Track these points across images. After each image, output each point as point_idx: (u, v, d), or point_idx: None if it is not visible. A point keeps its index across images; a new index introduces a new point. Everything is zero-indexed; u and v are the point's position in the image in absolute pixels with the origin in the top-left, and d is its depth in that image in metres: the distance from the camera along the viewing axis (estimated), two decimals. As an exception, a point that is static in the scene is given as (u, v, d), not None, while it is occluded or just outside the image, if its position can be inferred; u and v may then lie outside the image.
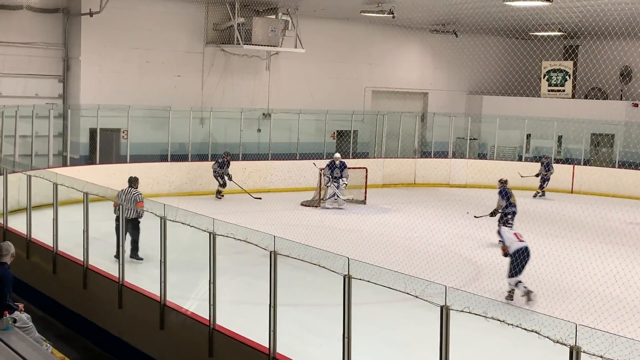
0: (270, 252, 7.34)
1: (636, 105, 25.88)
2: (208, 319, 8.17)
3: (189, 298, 9.50)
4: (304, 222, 16.98)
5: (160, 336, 9.03)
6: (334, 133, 25.12)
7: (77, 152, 20.45)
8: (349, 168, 20.29)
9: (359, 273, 6.52)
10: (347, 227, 17.21)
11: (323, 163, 20.61)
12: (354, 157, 24.33)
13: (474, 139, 27.08)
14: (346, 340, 6.67)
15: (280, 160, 22.82)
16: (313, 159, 22.06)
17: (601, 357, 4.86)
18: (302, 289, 11.37)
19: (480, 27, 23.83)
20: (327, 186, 19.96)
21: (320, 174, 20.20)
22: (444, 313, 5.82)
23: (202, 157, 21.64)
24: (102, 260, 11.70)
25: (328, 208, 19.71)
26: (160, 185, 20.40)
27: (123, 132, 21.12)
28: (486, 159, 26.28)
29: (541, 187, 22.95)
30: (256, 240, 7.62)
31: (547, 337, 5.15)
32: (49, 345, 8.85)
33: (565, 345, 5.07)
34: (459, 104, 28.76)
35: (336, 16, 24.37)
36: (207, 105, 22.49)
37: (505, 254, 11.66)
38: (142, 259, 12.69)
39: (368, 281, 6.41)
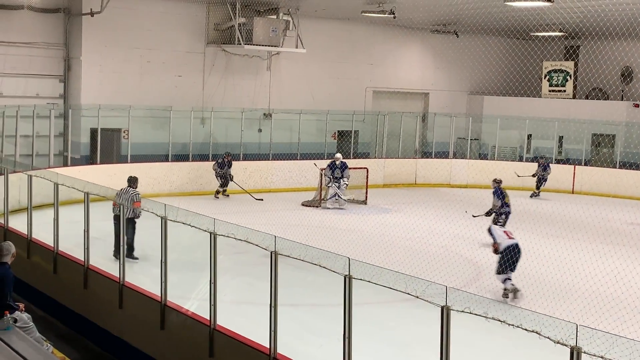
0: (271, 252, 7.34)
1: (637, 105, 25.87)
2: (208, 319, 8.17)
3: (189, 298, 9.49)
4: (304, 223, 16.97)
5: (160, 336, 9.03)
6: (335, 133, 25.13)
7: (77, 152, 20.45)
8: (350, 168, 20.29)
9: (360, 273, 6.52)
10: (347, 227, 17.21)
11: (324, 163, 20.61)
12: (354, 157, 24.33)
13: (475, 139, 27.08)
14: (346, 340, 6.67)
15: (281, 160, 22.82)
16: (314, 159, 22.07)
17: (602, 357, 4.86)
18: (302, 289, 11.37)
19: (481, 28, 23.83)
20: (328, 186, 19.96)
21: (321, 175, 20.19)
22: (445, 313, 5.82)
23: (202, 157, 21.64)
24: (103, 260, 11.70)
25: (329, 208, 19.71)
26: (161, 185, 20.40)
27: (124, 132, 21.12)
28: (487, 159, 26.28)
29: (537, 187, 22.97)
30: (257, 240, 7.62)
31: (548, 338, 5.15)
32: (49, 345, 8.85)
33: (565, 345, 5.07)
34: (460, 104, 28.76)
35: (337, 16, 24.38)
36: (208, 105, 22.49)
37: (496, 251, 11.78)
38: (137, 259, 12.68)
39: (369, 281, 6.41)
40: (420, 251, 14.30)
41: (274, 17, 22.74)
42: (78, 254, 10.96)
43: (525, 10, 20.43)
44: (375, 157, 25.43)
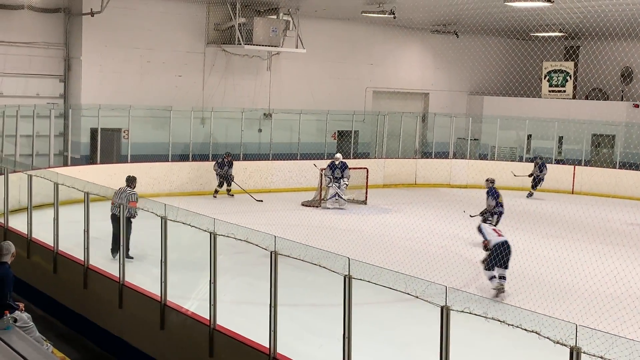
0: (271, 252, 7.35)
1: (637, 106, 25.87)
2: (208, 319, 8.17)
3: (189, 298, 9.49)
4: (304, 223, 16.98)
5: (160, 336, 9.04)
6: (335, 133, 25.13)
7: (78, 151, 20.45)
8: (350, 168, 20.29)
9: (360, 273, 6.53)
10: (347, 227, 17.21)
11: (324, 163, 20.62)
12: (354, 158, 24.33)
13: (474, 139, 27.09)
14: (346, 340, 6.67)
15: (281, 160, 22.82)
16: (314, 159, 22.08)
17: (601, 357, 4.86)
18: (302, 289, 11.37)
19: (481, 28, 23.83)
20: (329, 186, 19.97)
21: (321, 175, 20.20)
22: (445, 313, 5.82)
23: (203, 157, 21.64)
24: (103, 260, 11.72)
25: (329, 208, 19.71)
26: (161, 185, 20.40)
27: (124, 132, 21.12)
28: (487, 159, 26.29)
29: (534, 186, 23.00)
30: (257, 240, 7.63)
31: (548, 338, 5.15)
32: (49, 345, 8.86)
33: (565, 345, 5.07)
34: (460, 104, 28.77)
35: (337, 16, 24.38)
36: (208, 105, 22.50)
37: (486, 248, 11.93)
38: (132, 258, 12.65)
39: (368, 281, 6.41)
40: (420, 251, 14.30)
41: (274, 17, 22.74)
42: (78, 254, 10.96)
43: (525, 10, 20.43)
44: (375, 157, 25.43)
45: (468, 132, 26.59)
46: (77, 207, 11.37)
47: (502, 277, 11.79)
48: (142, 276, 10.70)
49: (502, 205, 15.96)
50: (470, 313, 5.67)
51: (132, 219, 12.49)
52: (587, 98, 27.66)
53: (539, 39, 27.86)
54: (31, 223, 12.19)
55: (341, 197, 19.91)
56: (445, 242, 15.29)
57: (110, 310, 9.99)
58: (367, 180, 21.19)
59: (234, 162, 20.76)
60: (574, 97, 27.65)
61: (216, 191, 20.65)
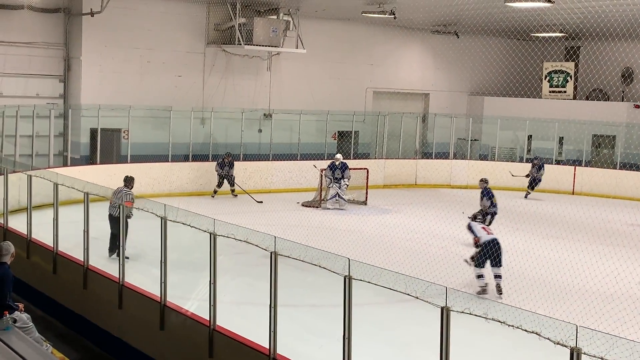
0: (271, 253, 7.34)
1: (637, 106, 25.86)
2: (208, 319, 8.16)
3: (189, 298, 9.49)
4: (304, 223, 16.97)
5: (160, 337, 9.03)
6: (335, 133, 25.12)
7: (77, 152, 20.44)
8: (350, 169, 20.27)
9: (360, 274, 6.51)
10: (347, 227, 17.20)
11: (323, 164, 20.61)
12: (355, 158, 24.32)
13: (475, 140, 27.08)
14: (346, 341, 6.66)
15: (281, 160, 22.81)
16: (314, 159, 22.07)
17: (602, 358, 4.85)
18: (302, 290, 11.36)
19: (482, 28, 23.82)
20: (329, 187, 19.96)
21: (321, 175, 20.19)
22: (445, 314, 5.82)
23: (202, 158, 21.62)
24: (103, 260, 11.73)
25: (329, 208, 19.70)
26: (161, 186, 20.40)
27: (124, 132, 21.12)
28: (487, 160, 26.28)
29: (532, 187, 22.99)
30: (257, 240, 7.62)
31: (548, 339, 5.14)
32: (49, 345, 8.85)
33: (565, 346, 5.06)
34: (460, 104, 28.75)
35: (337, 17, 24.37)
36: (208, 106, 22.49)
37: (477, 244, 12.07)
38: (127, 258, 12.63)
39: (368, 282, 6.40)
40: (420, 252, 14.29)
41: (274, 17, 22.73)
42: (78, 254, 10.95)
43: (526, 11, 20.42)
44: (375, 158, 25.42)
45: (468, 132, 26.58)
46: (77, 208, 11.37)
47: (498, 276, 11.81)
48: (141, 276, 10.69)
49: (496, 206, 15.98)
50: (470, 314, 5.66)
51: (128, 219, 12.50)
52: (587, 98, 27.64)
53: (540, 40, 27.85)
54: (31, 223, 12.19)
55: (342, 198, 19.90)
56: (446, 242, 15.28)
57: (110, 311, 9.98)
58: (367, 181, 21.18)
59: (235, 163, 20.75)
60: (574, 98, 27.64)
61: (215, 191, 20.65)
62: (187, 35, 22.33)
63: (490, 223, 15.28)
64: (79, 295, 10.81)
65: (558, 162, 25.42)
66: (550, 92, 28.01)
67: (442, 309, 5.82)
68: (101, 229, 12.51)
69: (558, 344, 5.09)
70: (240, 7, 21.77)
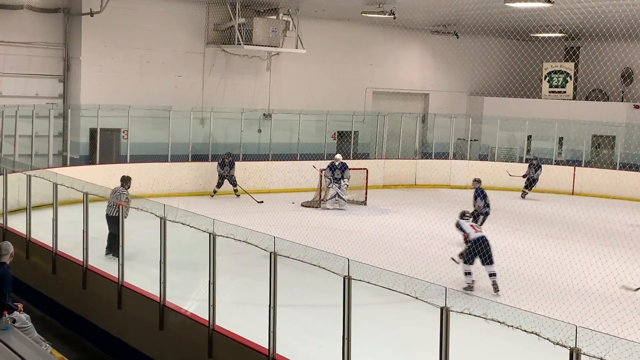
0: (270, 253, 7.33)
1: (637, 106, 25.86)
2: (208, 319, 8.16)
3: (188, 299, 9.48)
4: (304, 223, 16.97)
5: (159, 337, 9.02)
6: (335, 134, 25.12)
7: (77, 152, 20.44)
8: (350, 169, 20.27)
9: (359, 274, 6.51)
10: (347, 228, 17.20)
11: (323, 164, 20.61)
12: (354, 158, 24.33)
13: (474, 140, 27.07)
14: (346, 341, 6.65)
15: (280, 160, 22.81)
16: (314, 159, 22.08)
17: (601, 359, 4.85)
18: (302, 290, 11.36)
19: (481, 28, 23.82)
20: (329, 187, 19.95)
21: (321, 175, 20.19)
22: (444, 314, 5.81)
23: (202, 158, 21.62)
24: (102, 260, 11.72)
25: (329, 209, 19.70)
26: (160, 186, 20.39)
27: (123, 132, 21.11)
28: (487, 160, 26.28)
29: (529, 187, 22.99)
30: (256, 241, 7.61)
31: (547, 339, 5.14)
32: (48, 345, 8.84)
33: (565, 347, 5.06)
34: (460, 105, 28.75)
35: (337, 17, 24.37)
36: (207, 106, 22.48)
37: (466, 240, 12.20)
38: (115, 257, 12.67)
39: (368, 282, 6.40)
40: (420, 252, 14.28)
41: (274, 17, 22.72)
42: (77, 254, 10.94)
43: (526, 11, 20.42)
44: (375, 158, 25.41)
45: (468, 132, 26.58)
46: (77, 208, 11.36)
47: (493, 274, 11.85)
48: (141, 277, 10.69)
49: (489, 206, 16.02)
50: (470, 314, 5.66)
51: (123, 219, 12.51)
52: (587, 99, 27.64)
53: (539, 40, 27.85)
54: (30, 223, 12.18)
55: (341, 198, 19.89)
56: (445, 243, 15.26)
57: (109, 311, 9.98)
58: (367, 181, 21.18)
59: (235, 162, 20.76)
60: (574, 98, 27.64)
61: (214, 191, 20.65)
62: (187, 35, 22.33)
63: (482, 223, 15.29)
64: (78, 296, 10.81)
65: (558, 163, 25.42)
66: (550, 92, 28.01)
67: (441, 309, 5.82)
68: (101, 229, 12.50)
69: (557, 344, 5.09)
70: (239, 7, 21.77)
